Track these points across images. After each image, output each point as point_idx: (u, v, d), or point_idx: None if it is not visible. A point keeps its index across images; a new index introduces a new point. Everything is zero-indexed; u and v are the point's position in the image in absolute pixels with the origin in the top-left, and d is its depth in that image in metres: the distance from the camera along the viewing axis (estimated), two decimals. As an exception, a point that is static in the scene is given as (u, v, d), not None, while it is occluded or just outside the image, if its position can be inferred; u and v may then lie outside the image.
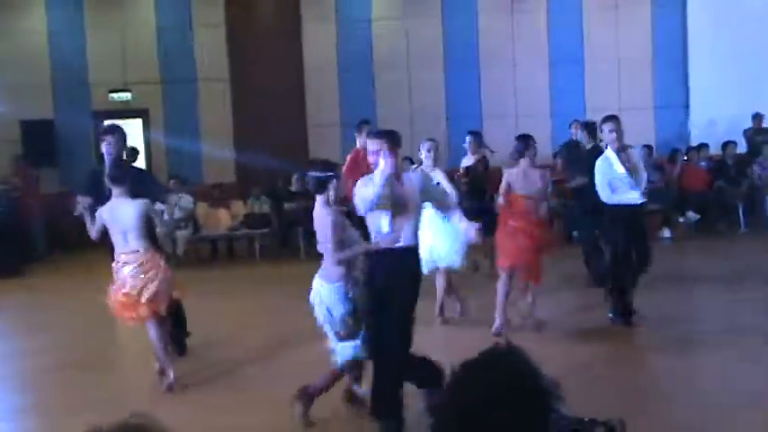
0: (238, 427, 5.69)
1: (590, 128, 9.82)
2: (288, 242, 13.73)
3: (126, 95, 15.83)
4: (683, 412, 5.61)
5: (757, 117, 14.96)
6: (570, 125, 11.80)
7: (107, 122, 8.01)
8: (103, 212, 6.56)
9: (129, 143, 7.54)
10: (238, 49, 15.81)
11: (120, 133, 7.40)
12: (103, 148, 7.23)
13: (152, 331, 6.62)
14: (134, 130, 16.10)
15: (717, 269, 10.64)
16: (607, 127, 7.67)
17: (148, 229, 6.58)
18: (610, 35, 16.14)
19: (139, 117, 16.06)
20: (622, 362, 7.03)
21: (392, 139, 5.33)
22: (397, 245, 5.20)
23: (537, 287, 7.82)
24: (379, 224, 5.24)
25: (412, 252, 5.31)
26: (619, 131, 7.61)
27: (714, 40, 15.55)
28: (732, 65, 15.32)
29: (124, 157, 7.44)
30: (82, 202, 6.77)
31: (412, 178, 5.48)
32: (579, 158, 9.87)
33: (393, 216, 5.20)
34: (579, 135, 10.18)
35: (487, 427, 1.62)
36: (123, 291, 6.47)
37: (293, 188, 13.59)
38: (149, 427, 1.62)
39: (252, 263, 13.42)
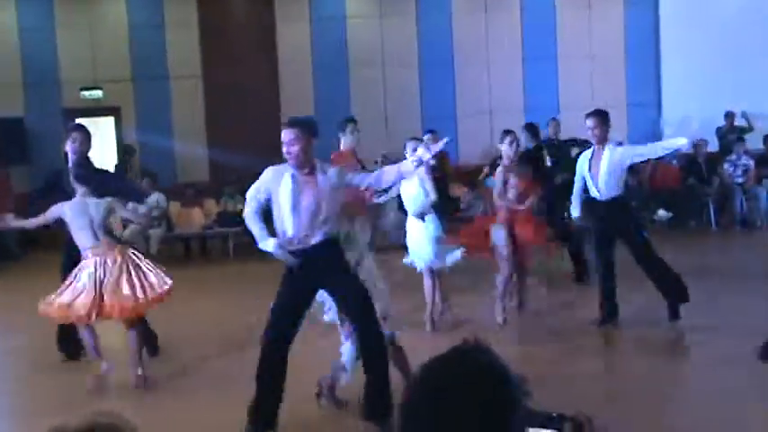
0: (215, 424, 5.67)
1: (532, 129, 10.16)
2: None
3: (97, 93, 15.67)
4: (667, 412, 5.65)
5: (729, 115, 15.10)
6: (547, 124, 11.85)
7: (75, 122, 7.92)
8: (66, 209, 6.52)
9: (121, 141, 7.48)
10: (211, 47, 15.72)
11: (84, 133, 7.34)
12: (68, 147, 7.18)
13: (133, 334, 6.61)
14: (106, 129, 16.00)
15: (689, 267, 10.70)
16: (586, 123, 7.69)
17: (109, 229, 6.66)
18: (583, 33, 16.23)
19: (111, 115, 15.92)
20: (603, 361, 7.07)
21: (305, 130, 5.17)
22: (311, 243, 5.16)
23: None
24: (284, 227, 5.20)
25: (327, 246, 5.20)
26: (597, 128, 7.56)
27: (686, 39, 15.68)
28: (704, 63, 15.46)
29: (88, 157, 7.37)
30: (6, 219, 6.73)
31: (329, 174, 5.24)
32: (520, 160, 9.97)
33: (296, 218, 5.14)
34: (523, 137, 9.95)
35: (454, 423, 1.62)
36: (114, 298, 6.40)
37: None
38: (118, 426, 1.60)
39: (225, 261, 13.36)
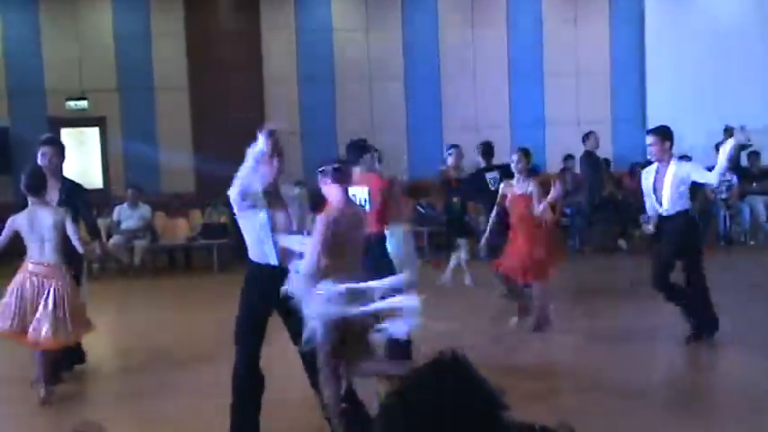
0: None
1: (486, 148, 10.05)
2: (246, 253, 13.60)
3: (83, 103, 15.63)
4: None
5: (728, 130, 15.13)
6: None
7: (46, 135, 7.84)
8: (19, 219, 6.45)
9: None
10: (197, 58, 15.71)
11: (55, 146, 7.30)
12: (39, 159, 7.12)
13: (39, 353, 6.45)
14: (91, 139, 15.96)
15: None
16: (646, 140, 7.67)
17: (63, 240, 6.45)
18: (569, 49, 16.32)
19: (97, 125, 15.88)
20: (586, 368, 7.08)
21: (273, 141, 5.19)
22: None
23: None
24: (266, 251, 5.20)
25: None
26: (655, 145, 7.49)
27: (671, 55, 15.80)
28: (689, 79, 15.58)
29: (62, 170, 7.31)
30: None
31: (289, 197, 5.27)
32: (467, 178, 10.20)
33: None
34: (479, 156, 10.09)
35: None
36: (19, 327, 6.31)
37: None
38: None
39: (210, 273, 13.31)
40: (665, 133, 7.54)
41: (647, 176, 7.65)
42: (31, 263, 6.46)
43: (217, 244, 13.40)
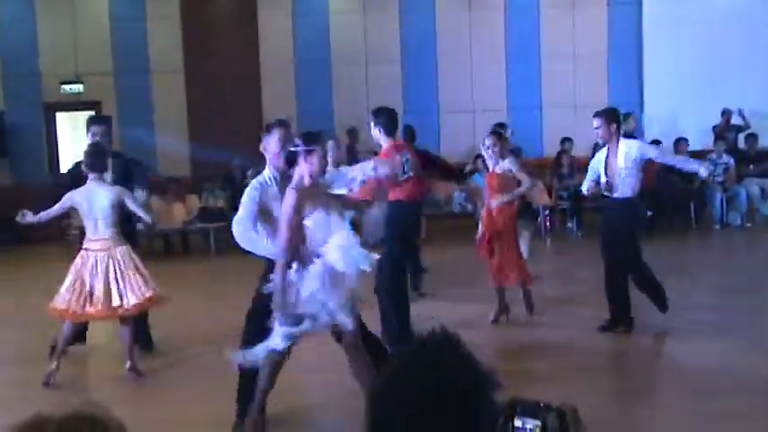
0: (202, 418, 5.65)
1: (409, 131, 9.45)
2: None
3: (78, 87, 15.57)
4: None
5: (726, 113, 15.13)
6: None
7: (94, 115, 8.13)
8: (76, 196, 6.52)
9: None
10: (193, 41, 15.66)
11: (103, 125, 7.49)
12: (89, 138, 7.23)
13: (126, 330, 6.65)
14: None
15: (668, 265, 10.82)
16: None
17: (120, 218, 6.61)
18: (566, 32, 16.26)
19: (92, 109, 15.78)
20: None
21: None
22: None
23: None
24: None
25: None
26: (601, 128, 7.48)
27: (669, 38, 15.75)
28: (687, 62, 15.53)
29: (99, 143, 7.40)
30: (25, 215, 6.68)
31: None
32: None
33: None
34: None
35: (420, 410, 1.63)
36: (100, 303, 6.41)
37: (248, 181, 13.47)
38: (100, 417, 1.59)
39: (207, 257, 13.31)
40: (610, 115, 7.54)
41: (599, 157, 7.61)
42: (90, 240, 6.57)
43: (214, 228, 13.37)
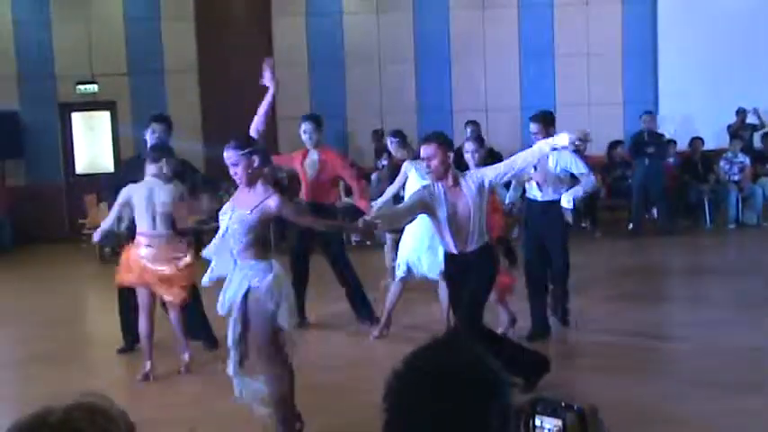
0: (202, 418, 5.65)
1: (400, 136, 8.76)
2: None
3: (93, 87, 15.63)
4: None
5: (741, 112, 15.04)
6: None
7: (156, 113, 8.13)
8: (137, 191, 6.49)
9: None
10: (207, 41, 15.66)
11: (163, 123, 7.62)
12: (148, 135, 7.27)
13: (174, 314, 6.76)
14: (101, 123, 15.97)
15: (679, 264, 10.80)
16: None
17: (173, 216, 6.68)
18: (580, 30, 16.20)
19: (107, 109, 15.89)
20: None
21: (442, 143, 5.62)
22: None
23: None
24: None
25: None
26: (539, 133, 7.32)
27: (684, 37, 15.67)
28: (701, 61, 15.44)
29: (165, 143, 7.45)
30: (101, 232, 6.80)
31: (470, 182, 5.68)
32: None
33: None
34: (393, 144, 8.71)
35: (435, 408, 1.65)
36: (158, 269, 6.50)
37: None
38: (103, 407, 1.60)
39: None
40: (546, 120, 7.51)
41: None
42: (143, 236, 6.56)
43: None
